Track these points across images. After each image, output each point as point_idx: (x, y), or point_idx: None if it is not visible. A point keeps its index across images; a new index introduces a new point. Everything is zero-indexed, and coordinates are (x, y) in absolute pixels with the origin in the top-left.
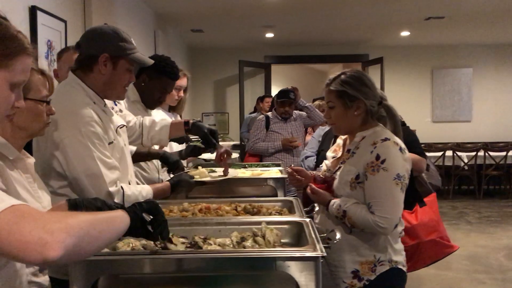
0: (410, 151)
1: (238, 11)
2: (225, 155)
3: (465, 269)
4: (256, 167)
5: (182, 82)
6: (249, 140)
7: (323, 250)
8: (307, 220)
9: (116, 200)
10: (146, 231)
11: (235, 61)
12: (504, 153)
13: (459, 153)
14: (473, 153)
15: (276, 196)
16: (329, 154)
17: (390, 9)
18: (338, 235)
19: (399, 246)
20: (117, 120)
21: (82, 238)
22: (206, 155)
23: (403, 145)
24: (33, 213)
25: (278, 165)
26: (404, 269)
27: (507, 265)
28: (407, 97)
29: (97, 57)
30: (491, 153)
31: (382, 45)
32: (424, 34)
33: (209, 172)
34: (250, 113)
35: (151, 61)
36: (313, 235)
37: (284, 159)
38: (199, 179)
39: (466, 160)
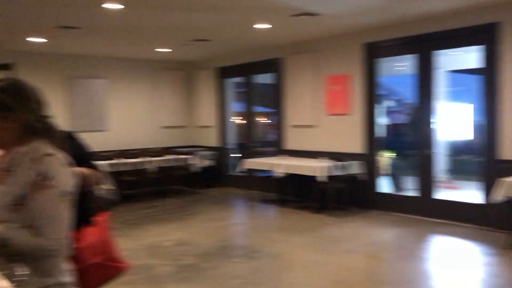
0: (79, 165)
1: None
2: None
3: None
4: None
5: None
6: None
7: None
8: None
9: None
10: None
11: None
12: (138, 160)
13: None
14: (111, 161)
15: None
16: None
17: (20, 14)
18: (20, 271)
19: (67, 266)
20: None
21: None
22: None
23: (66, 160)
24: None
25: None
26: None
27: (150, 262)
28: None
29: None
30: (128, 160)
31: (13, 50)
32: (61, 42)
33: None
34: None
35: None
36: None
37: None
38: None
39: (105, 169)
